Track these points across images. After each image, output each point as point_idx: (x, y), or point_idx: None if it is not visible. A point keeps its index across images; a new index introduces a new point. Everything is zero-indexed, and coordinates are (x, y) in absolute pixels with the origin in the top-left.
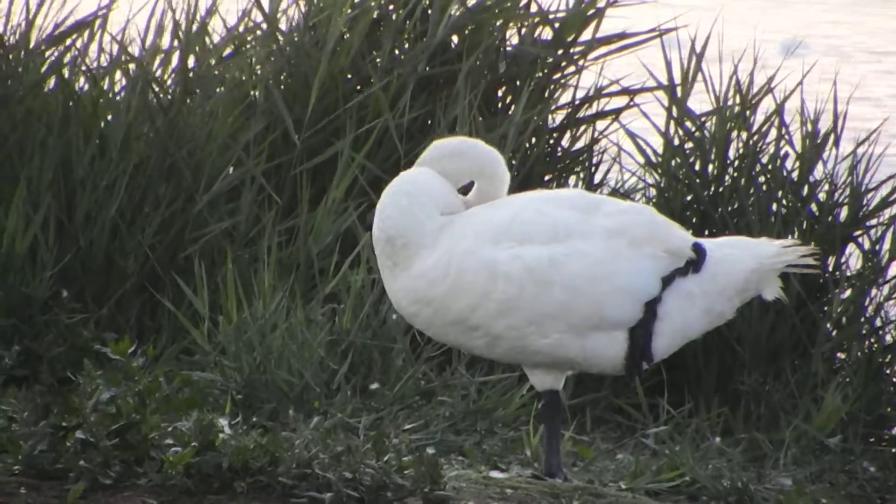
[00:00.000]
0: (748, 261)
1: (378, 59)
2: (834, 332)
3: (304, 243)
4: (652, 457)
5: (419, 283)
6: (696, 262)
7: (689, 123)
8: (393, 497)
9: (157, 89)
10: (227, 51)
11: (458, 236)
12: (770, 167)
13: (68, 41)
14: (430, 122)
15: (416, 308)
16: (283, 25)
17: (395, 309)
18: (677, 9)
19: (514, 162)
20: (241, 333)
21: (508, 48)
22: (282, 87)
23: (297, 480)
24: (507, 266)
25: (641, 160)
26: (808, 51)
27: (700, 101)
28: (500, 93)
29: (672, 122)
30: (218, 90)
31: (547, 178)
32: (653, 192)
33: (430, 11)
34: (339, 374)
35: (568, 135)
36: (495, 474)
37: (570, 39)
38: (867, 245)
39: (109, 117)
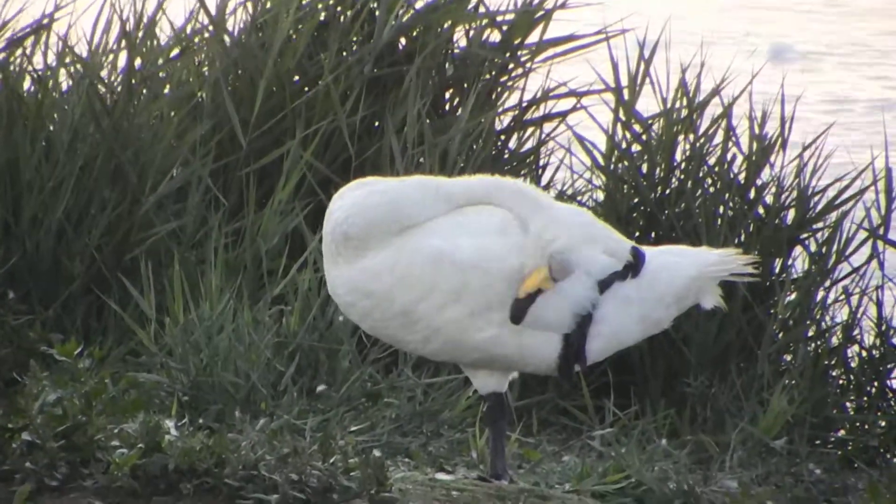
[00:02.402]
0: (688, 268)
1: (325, 61)
2: (780, 335)
3: (252, 244)
4: (598, 459)
5: (362, 276)
6: (634, 265)
7: (636, 126)
8: (339, 499)
9: (102, 90)
10: (174, 52)
11: (408, 235)
12: (717, 169)
13: (14, 41)
14: (377, 123)
15: (352, 298)
16: (229, 26)
17: (330, 295)
18: (632, 6)
19: (461, 164)
20: (187, 335)
21: (456, 50)
22: (228, 88)
23: (244, 482)
24: (453, 255)
25: (589, 163)
26: (795, 55)
27: (650, 105)
28: (447, 95)
29: (619, 125)
30: (164, 91)
31: None
32: (599, 194)
33: (376, 13)
34: (285, 375)
35: (515, 137)
36: (441, 476)
37: (517, 42)
38: (813, 248)
39: (55, 118)
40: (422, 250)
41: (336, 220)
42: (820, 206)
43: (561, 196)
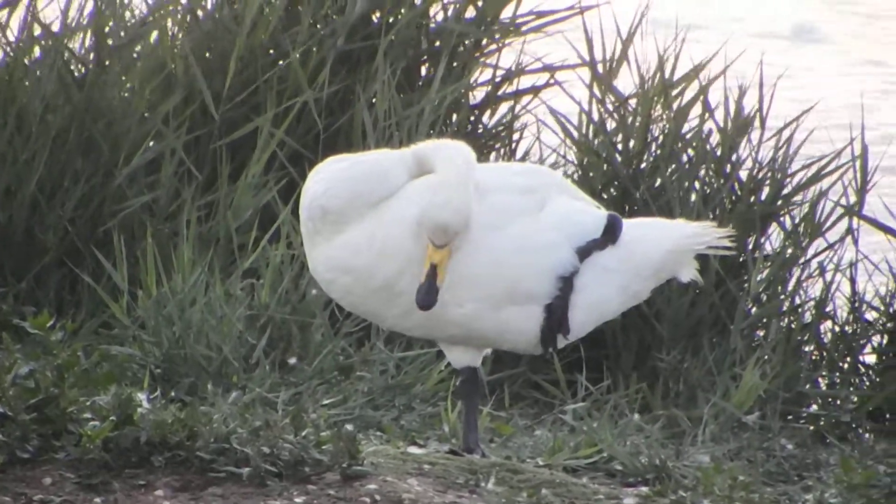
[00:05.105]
0: (665, 241)
1: (297, 34)
2: (753, 310)
3: (224, 218)
4: (570, 433)
5: (341, 253)
6: (612, 232)
7: (611, 97)
8: (311, 472)
9: (72, 62)
10: (147, 23)
11: (382, 207)
12: (694, 144)
13: None
14: (350, 97)
15: (333, 276)
16: None
17: (311, 274)
18: None
19: (434, 138)
20: (160, 308)
21: (432, 25)
22: (200, 60)
23: (216, 455)
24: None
25: (563, 137)
26: (820, 35)
27: (629, 81)
28: (422, 69)
29: (594, 100)
30: (136, 63)
31: None
32: (573, 169)
33: None
34: (257, 348)
35: (489, 112)
36: (413, 450)
37: (491, 17)
38: (789, 224)
39: (27, 90)
40: (398, 220)
41: (314, 194)
42: (796, 184)
43: None
